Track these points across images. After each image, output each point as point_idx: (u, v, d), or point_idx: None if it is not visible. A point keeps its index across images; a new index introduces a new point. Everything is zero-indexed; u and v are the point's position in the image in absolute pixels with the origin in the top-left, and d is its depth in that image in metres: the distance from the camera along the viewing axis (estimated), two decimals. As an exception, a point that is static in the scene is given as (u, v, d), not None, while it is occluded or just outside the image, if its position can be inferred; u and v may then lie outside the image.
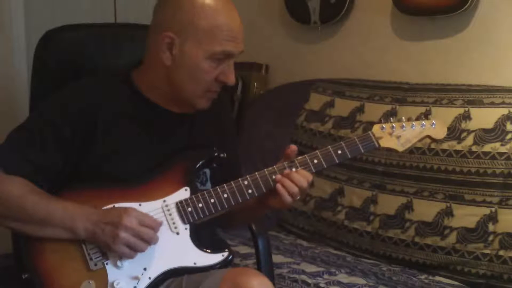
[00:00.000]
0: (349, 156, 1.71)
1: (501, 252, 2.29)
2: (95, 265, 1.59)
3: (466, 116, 2.46)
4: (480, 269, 2.32)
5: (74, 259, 1.60)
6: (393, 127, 1.72)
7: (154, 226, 1.59)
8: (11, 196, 1.59)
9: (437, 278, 2.38)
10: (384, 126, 1.73)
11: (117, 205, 1.62)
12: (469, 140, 2.41)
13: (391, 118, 1.76)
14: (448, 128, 2.46)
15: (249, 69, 3.35)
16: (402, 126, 1.73)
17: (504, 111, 2.38)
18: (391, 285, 2.29)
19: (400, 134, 1.73)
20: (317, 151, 1.70)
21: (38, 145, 1.64)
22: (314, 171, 1.69)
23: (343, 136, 2.78)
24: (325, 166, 1.70)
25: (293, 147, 1.68)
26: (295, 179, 1.64)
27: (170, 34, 1.63)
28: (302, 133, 2.95)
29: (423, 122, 1.75)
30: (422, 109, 2.57)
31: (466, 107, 2.47)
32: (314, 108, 2.95)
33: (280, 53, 3.39)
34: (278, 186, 1.64)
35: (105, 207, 1.61)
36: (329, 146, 1.70)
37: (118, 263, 1.59)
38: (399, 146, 1.73)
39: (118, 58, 1.99)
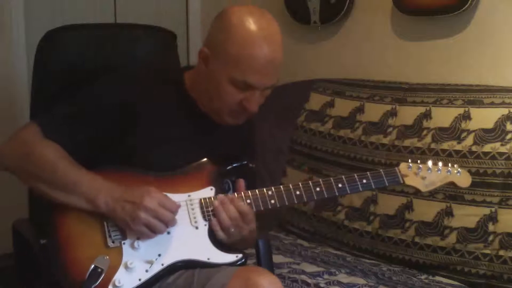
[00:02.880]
0: (373, 187, 1.78)
1: (501, 252, 2.29)
2: (113, 242, 1.63)
3: (466, 116, 2.46)
4: (480, 269, 2.32)
5: (93, 234, 1.64)
6: (419, 168, 1.80)
7: (174, 208, 1.64)
8: (46, 157, 1.65)
9: (437, 278, 2.38)
10: (411, 165, 1.80)
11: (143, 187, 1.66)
12: (469, 140, 2.41)
13: (419, 160, 1.82)
14: (448, 128, 2.46)
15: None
16: (428, 169, 1.80)
17: (504, 111, 2.38)
18: (391, 285, 2.29)
19: (425, 176, 1.80)
20: (342, 176, 1.75)
21: (81, 120, 1.70)
22: (337, 194, 1.75)
23: (343, 136, 2.78)
24: (348, 192, 1.77)
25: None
26: (227, 210, 1.66)
27: (206, 50, 1.70)
28: (302, 133, 2.95)
29: (449, 168, 1.82)
30: (422, 109, 2.57)
31: (466, 107, 2.47)
32: (314, 108, 2.95)
33: (280, 53, 3.38)
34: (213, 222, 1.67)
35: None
36: (354, 174, 1.76)
37: (135, 244, 1.63)
38: (423, 186, 1.80)
39: (118, 58, 1.99)
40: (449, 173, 1.81)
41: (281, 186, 1.72)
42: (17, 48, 3.04)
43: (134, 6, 3.44)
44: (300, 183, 1.72)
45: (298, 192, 1.72)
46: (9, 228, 1.93)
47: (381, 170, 1.78)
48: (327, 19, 3.11)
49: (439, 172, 1.80)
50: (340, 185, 1.73)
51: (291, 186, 1.72)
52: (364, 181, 1.75)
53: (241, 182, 1.73)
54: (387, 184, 1.78)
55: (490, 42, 2.64)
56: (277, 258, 2.44)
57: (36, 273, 1.69)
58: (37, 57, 1.96)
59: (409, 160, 1.81)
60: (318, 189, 1.72)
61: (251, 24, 1.65)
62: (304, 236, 2.81)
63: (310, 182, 1.72)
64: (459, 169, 1.83)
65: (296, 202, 1.73)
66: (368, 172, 1.76)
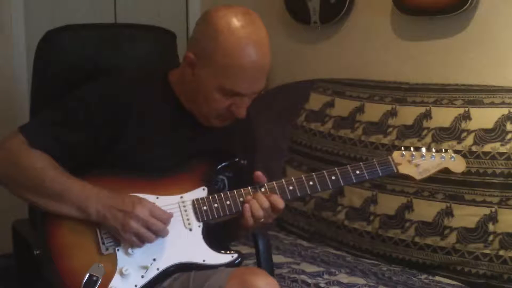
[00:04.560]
0: (367, 178, 1.74)
1: (501, 252, 2.29)
2: (106, 249, 1.62)
3: (466, 116, 2.46)
4: (480, 269, 2.32)
5: (87, 242, 1.63)
6: (413, 155, 1.76)
7: (165, 219, 1.62)
8: (33, 168, 1.63)
9: (437, 278, 2.38)
10: (404, 153, 1.76)
11: (134, 195, 1.64)
12: (469, 140, 2.41)
13: (412, 147, 1.79)
14: (448, 128, 2.46)
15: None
16: (422, 156, 1.77)
17: (504, 111, 2.38)
18: (391, 285, 2.29)
19: (419, 163, 1.76)
20: (335, 168, 1.72)
21: (68, 125, 1.67)
22: (331, 187, 1.73)
23: (343, 136, 2.78)
24: (342, 184, 1.73)
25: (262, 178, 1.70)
26: (260, 201, 1.65)
27: (192, 56, 1.66)
28: (302, 133, 2.95)
29: (443, 154, 1.79)
30: (422, 109, 2.57)
31: (466, 107, 2.47)
32: (314, 108, 2.95)
33: (280, 53, 3.38)
34: (245, 206, 1.66)
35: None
36: (348, 166, 1.73)
37: (129, 250, 1.62)
38: (417, 174, 1.77)
39: (118, 58, 1.99)
40: (443, 159, 1.78)
41: (274, 182, 1.70)
42: (17, 48, 3.04)
43: (134, 6, 3.44)
44: (293, 179, 1.70)
45: (291, 187, 1.70)
46: (9, 228, 1.93)
47: (374, 160, 1.74)
48: (327, 19, 3.11)
49: (432, 158, 1.77)
50: (333, 178, 1.71)
51: (284, 182, 1.70)
52: (358, 172, 1.72)
53: (259, 173, 1.70)
54: (381, 174, 1.74)
55: (490, 42, 2.64)
56: (277, 258, 2.44)
57: (36, 274, 1.68)
58: (37, 57, 1.95)
59: (402, 148, 1.79)
60: (311, 183, 1.70)
61: (239, 31, 1.61)
62: (304, 236, 2.81)
63: (303, 176, 1.70)
64: (453, 155, 1.79)
65: (289, 198, 1.70)
66: (361, 163, 1.73)
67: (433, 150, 1.80)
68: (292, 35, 3.33)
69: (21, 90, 2.99)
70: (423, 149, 1.79)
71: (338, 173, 1.71)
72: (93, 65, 1.93)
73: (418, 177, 1.77)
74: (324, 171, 1.72)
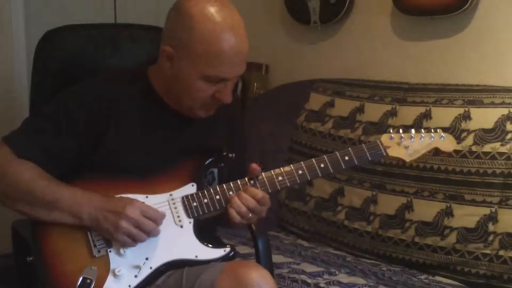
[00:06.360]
0: (356, 163, 1.73)
1: (501, 252, 2.29)
2: (99, 251, 1.62)
3: (466, 116, 2.46)
4: (480, 269, 2.32)
5: (78, 245, 1.62)
6: (401, 137, 1.75)
7: (157, 218, 1.62)
8: (22, 178, 1.62)
9: (437, 278, 2.39)
10: (392, 136, 1.75)
11: (124, 196, 1.64)
12: (469, 140, 2.41)
13: (400, 130, 1.77)
14: (448, 128, 2.46)
15: (249, 69, 3.33)
16: (411, 137, 1.76)
17: (504, 111, 2.38)
18: (391, 285, 2.29)
19: (408, 145, 1.75)
20: (324, 156, 1.71)
21: (52, 131, 1.66)
22: (320, 175, 1.72)
23: (343, 136, 2.78)
24: (331, 171, 1.72)
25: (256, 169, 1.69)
26: (243, 199, 1.65)
27: (169, 48, 1.65)
28: (302, 133, 2.95)
29: (432, 134, 1.77)
30: (422, 109, 2.57)
31: (466, 107, 2.47)
32: (314, 108, 2.95)
33: (280, 53, 3.39)
34: (228, 207, 1.66)
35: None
36: (336, 152, 1.72)
37: (121, 251, 1.62)
38: (407, 156, 1.75)
39: (118, 58, 1.99)
40: (432, 139, 1.76)
41: (263, 174, 1.69)
42: (17, 48, 3.04)
43: (134, 6, 3.44)
44: (282, 169, 1.69)
45: (280, 178, 1.69)
46: (9, 228, 1.93)
47: (363, 145, 1.73)
48: (327, 19, 3.11)
49: (422, 139, 1.76)
50: (322, 165, 1.70)
51: (272, 173, 1.69)
52: (347, 158, 1.71)
53: (254, 166, 1.69)
54: (370, 159, 1.73)
55: (490, 42, 2.64)
56: (277, 258, 2.44)
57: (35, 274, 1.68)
58: (36, 57, 1.96)
59: (390, 130, 1.78)
60: (300, 172, 1.69)
61: (214, 17, 1.59)
62: (304, 236, 2.81)
63: (292, 166, 1.69)
64: (442, 134, 1.78)
65: (279, 188, 1.70)
66: (349, 148, 1.72)
67: (422, 131, 1.78)
68: (292, 35, 3.33)
69: (21, 90, 2.99)
70: (412, 131, 1.77)
71: (327, 161, 1.71)
72: (92, 65, 1.93)
73: (408, 159, 1.75)
74: (313, 159, 1.71)
